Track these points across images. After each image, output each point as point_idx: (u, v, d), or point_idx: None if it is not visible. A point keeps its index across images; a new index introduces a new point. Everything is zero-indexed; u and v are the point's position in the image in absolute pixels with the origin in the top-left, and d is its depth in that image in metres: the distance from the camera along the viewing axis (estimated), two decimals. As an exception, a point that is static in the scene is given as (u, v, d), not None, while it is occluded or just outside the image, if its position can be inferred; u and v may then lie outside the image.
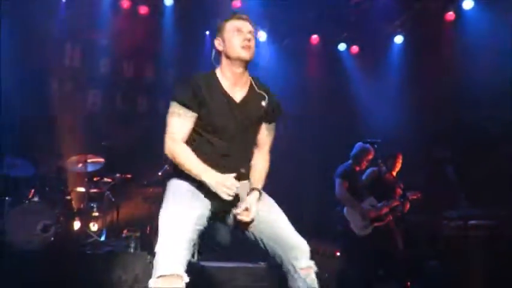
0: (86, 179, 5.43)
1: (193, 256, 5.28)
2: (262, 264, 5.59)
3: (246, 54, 2.26)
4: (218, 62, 2.37)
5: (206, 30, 6.93)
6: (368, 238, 4.53)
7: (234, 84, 2.32)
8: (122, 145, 5.91)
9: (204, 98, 2.25)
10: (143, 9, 6.71)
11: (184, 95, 2.25)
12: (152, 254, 2.15)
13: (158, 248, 2.08)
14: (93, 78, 6.65)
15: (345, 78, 7.37)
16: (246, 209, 2.26)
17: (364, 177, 4.82)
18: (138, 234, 4.96)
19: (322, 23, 6.88)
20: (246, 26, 2.28)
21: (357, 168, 4.78)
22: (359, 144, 4.77)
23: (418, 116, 6.50)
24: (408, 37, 6.94)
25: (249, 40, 2.26)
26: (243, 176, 2.36)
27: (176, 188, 2.27)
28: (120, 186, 5.65)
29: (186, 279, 2.05)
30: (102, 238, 5.42)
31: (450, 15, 6.40)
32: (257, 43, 2.38)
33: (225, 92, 2.30)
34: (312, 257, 2.30)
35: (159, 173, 4.96)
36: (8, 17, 5.62)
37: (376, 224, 4.54)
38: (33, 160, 5.37)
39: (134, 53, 6.84)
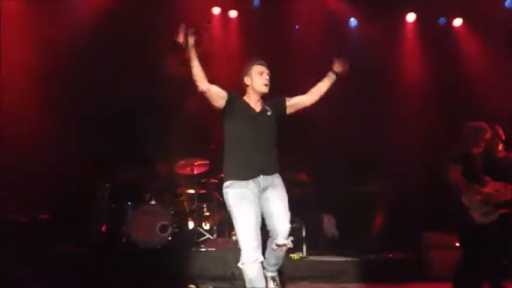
0: (195, 181, 5.75)
1: (301, 251, 5.35)
2: (372, 256, 5.47)
3: (266, 90, 3.32)
4: (245, 91, 3.38)
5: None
6: (491, 225, 4.12)
7: (254, 104, 3.36)
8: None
9: (235, 103, 3.27)
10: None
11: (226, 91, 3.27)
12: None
13: (240, 244, 3.07)
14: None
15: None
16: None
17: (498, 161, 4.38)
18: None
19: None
20: (266, 70, 3.33)
21: (474, 151, 4.35)
22: (472, 124, 4.36)
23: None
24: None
25: (267, 80, 3.31)
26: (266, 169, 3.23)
27: (232, 200, 3.15)
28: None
29: (261, 258, 3.08)
30: (214, 236, 5.68)
31: None
32: None
33: (249, 105, 3.34)
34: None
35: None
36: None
37: (502, 211, 4.11)
38: (148, 165, 5.85)
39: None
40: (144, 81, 6.56)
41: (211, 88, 3.16)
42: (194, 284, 4.60)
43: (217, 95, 3.20)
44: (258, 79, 3.30)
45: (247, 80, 3.35)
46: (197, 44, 3.09)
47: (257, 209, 3.12)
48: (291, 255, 5.32)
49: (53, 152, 5.82)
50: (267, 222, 3.21)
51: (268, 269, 3.33)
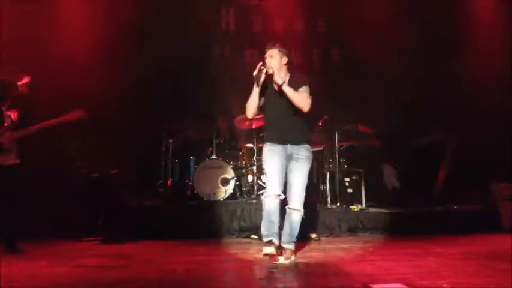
0: (253, 135, 5.82)
1: (360, 203, 5.35)
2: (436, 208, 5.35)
3: (270, 72, 3.63)
4: None
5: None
6: None
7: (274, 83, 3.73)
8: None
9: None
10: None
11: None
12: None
13: (265, 182, 3.76)
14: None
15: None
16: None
17: None
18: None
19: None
20: (271, 53, 3.69)
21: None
22: None
23: None
24: None
25: (268, 62, 3.67)
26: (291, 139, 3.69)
27: (264, 154, 3.74)
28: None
29: (281, 196, 3.59)
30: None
31: None
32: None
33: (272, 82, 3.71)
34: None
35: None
36: None
37: None
38: (208, 120, 6.00)
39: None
40: (199, 36, 6.61)
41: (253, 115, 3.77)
42: (256, 235, 4.76)
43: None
44: (268, 62, 3.68)
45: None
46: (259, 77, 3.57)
47: (283, 161, 3.65)
48: (350, 206, 5.36)
49: (119, 111, 6.10)
50: (287, 189, 3.66)
51: (283, 240, 3.63)
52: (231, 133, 6.15)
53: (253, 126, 5.71)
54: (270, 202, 3.56)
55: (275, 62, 3.67)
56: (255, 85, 3.63)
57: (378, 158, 6.16)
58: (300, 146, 3.69)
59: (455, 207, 5.48)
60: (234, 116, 5.81)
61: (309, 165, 3.71)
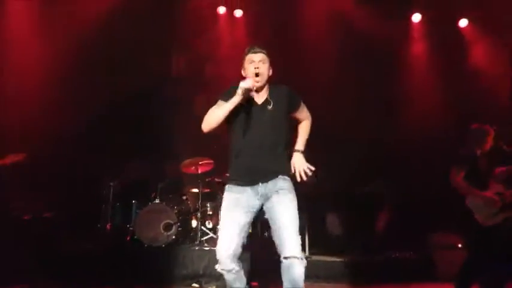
0: (199, 180, 5.77)
1: (304, 250, 5.34)
2: (376, 256, 5.47)
3: (258, 80, 2.90)
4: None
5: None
6: (495, 228, 4.10)
7: (256, 98, 2.94)
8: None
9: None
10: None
11: (226, 94, 2.89)
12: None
13: (216, 249, 2.86)
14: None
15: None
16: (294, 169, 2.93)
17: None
18: (249, 231, 5.12)
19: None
20: (259, 57, 2.94)
21: (478, 152, 4.33)
22: (475, 127, 4.34)
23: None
24: None
25: (258, 68, 2.92)
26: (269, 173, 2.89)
27: (224, 204, 2.94)
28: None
29: (236, 269, 2.82)
30: (217, 235, 5.68)
31: None
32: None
33: (250, 99, 2.89)
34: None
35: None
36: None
37: (508, 213, 4.08)
38: (153, 163, 5.90)
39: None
40: (151, 80, 6.61)
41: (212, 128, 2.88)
42: (197, 283, 4.62)
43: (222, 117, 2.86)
44: (249, 68, 2.95)
45: (243, 72, 3.02)
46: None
47: (246, 219, 2.85)
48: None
49: (58, 152, 5.87)
50: (273, 234, 2.82)
51: None
52: (176, 177, 6.05)
53: (199, 171, 5.67)
54: (226, 275, 2.87)
55: (264, 70, 2.93)
56: (236, 97, 2.77)
57: (322, 206, 6.26)
58: (277, 179, 2.87)
59: (394, 255, 5.62)
60: (180, 160, 5.76)
61: (295, 198, 2.86)
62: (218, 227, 5.73)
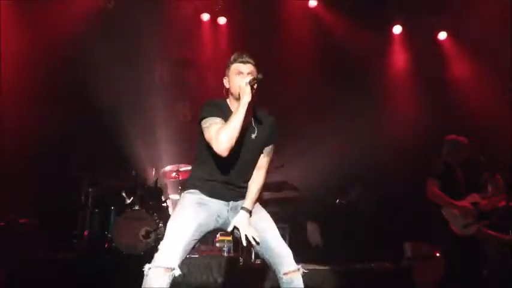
0: (180, 187, 5.72)
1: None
2: (354, 266, 5.51)
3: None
4: (227, 94, 2.68)
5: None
6: (471, 238, 4.18)
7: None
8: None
9: (219, 116, 2.55)
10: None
11: (212, 110, 2.56)
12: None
13: (160, 246, 2.50)
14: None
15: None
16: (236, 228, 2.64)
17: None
18: (230, 238, 5.11)
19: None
20: (248, 69, 2.56)
21: (454, 164, 4.43)
22: (451, 138, 4.44)
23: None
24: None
25: (252, 83, 2.49)
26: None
27: (186, 202, 2.62)
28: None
29: (176, 271, 2.45)
30: (197, 243, 5.65)
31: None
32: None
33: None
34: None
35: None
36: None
37: (483, 223, 4.17)
38: (133, 170, 5.82)
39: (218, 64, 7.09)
40: (132, 86, 6.55)
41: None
42: (176, 291, 4.56)
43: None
44: (234, 80, 2.56)
45: (225, 81, 2.66)
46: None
47: (206, 227, 2.61)
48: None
49: (35, 156, 5.76)
50: (265, 256, 2.65)
51: None
52: (156, 183, 5.98)
53: (180, 178, 5.63)
54: (157, 277, 2.42)
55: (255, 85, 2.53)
56: (246, 97, 2.44)
57: (303, 215, 6.28)
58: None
59: (372, 265, 5.67)
60: (161, 166, 5.72)
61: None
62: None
